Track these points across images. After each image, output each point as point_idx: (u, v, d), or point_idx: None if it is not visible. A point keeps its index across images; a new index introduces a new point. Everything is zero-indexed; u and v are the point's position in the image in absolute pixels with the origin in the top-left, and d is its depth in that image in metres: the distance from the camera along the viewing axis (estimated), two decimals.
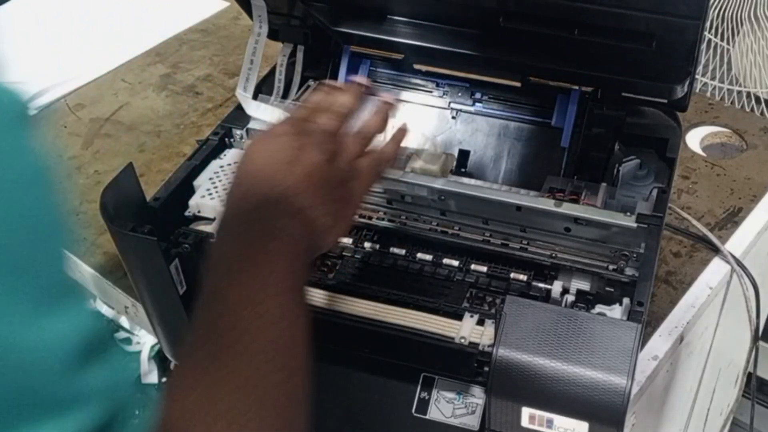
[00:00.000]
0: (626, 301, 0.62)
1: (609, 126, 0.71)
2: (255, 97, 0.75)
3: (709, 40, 1.22)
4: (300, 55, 0.78)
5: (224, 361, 0.43)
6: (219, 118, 0.86)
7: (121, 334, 1.34)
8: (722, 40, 1.22)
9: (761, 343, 0.91)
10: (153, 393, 1.26)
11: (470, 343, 0.59)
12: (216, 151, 0.73)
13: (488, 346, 0.58)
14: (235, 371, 0.43)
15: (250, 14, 0.75)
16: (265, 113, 0.74)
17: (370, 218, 0.72)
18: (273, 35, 0.76)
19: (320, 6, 0.72)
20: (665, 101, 0.69)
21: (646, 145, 0.73)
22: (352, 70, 0.78)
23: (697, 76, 1.22)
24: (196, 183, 0.70)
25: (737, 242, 0.81)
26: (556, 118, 0.72)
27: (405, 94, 0.78)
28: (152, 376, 1.27)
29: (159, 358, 1.27)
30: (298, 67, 0.79)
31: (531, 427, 0.57)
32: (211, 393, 0.42)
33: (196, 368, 0.44)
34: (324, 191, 0.52)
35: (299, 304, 0.49)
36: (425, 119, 0.77)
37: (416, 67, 0.77)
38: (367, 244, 0.72)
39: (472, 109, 0.76)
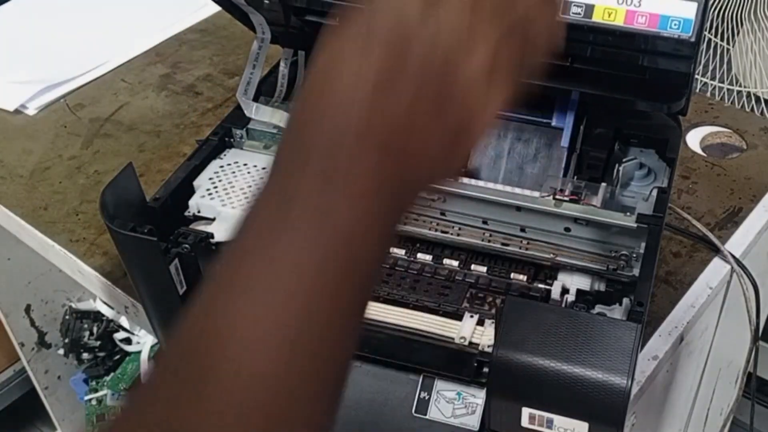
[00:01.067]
0: (626, 301, 0.62)
1: (609, 126, 0.71)
2: (256, 99, 0.75)
3: (709, 40, 1.22)
4: (302, 60, 0.78)
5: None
6: (219, 118, 0.86)
7: (121, 334, 1.34)
8: (722, 40, 1.22)
9: (761, 343, 0.91)
10: None
11: (470, 343, 0.59)
12: (216, 151, 0.73)
13: (488, 346, 0.58)
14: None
15: (246, 25, 0.75)
16: (265, 115, 0.74)
17: None
18: (274, 40, 0.76)
19: (315, 21, 0.72)
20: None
21: (646, 145, 0.73)
22: None
23: (697, 76, 1.22)
24: (196, 183, 0.70)
25: (737, 242, 0.81)
26: (556, 118, 0.72)
27: None
28: None
29: None
30: (301, 70, 0.79)
31: (531, 427, 0.57)
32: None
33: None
34: (432, 126, 0.34)
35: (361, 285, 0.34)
36: None
37: None
38: None
39: None
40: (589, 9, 0.52)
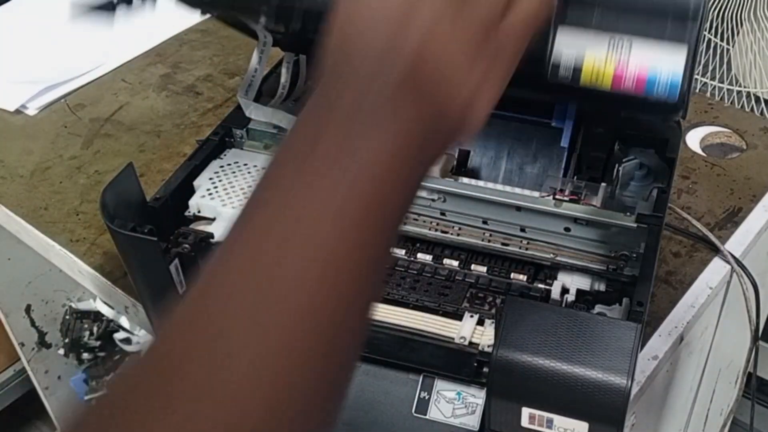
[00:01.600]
0: (626, 301, 0.62)
1: (609, 126, 0.71)
2: (257, 99, 0.75)
3: (709, 40, 1.22)
4: (303, 63, 0.78)
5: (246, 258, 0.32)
6: (219, 118, 0.86)
7: (121, 334, 1.34)
8: (722, 40, 1.22)
9: (761, 343, 0.91)
10: None
11: (470, 343, 0.59)
12: (216, 151, 0.73)
13: (488, 346, 0.58)
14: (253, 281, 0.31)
15: (248, 34, 0.74)
16: (266, 116, 0.74)
17: None
18: (275, 43, 0.76)
19: (314, 30, 0.72)
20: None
21: (646, 145, 0.73)
22: None
23: (696, 76, 1.22)
24: (196, 183, 0.70)
25: (737, 242, 0.81)
26: (556, 118, 0.72)
27: None
28: None
29: None
30: (302, 72, 0.79)
31: (531, 427, 0.57)
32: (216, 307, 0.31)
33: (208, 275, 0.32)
34: (462, 45, 0.34)
35: (388, 229, 0.33)
36: None
37: None
38: None
39: None
40: (577, 73, 0.51)
